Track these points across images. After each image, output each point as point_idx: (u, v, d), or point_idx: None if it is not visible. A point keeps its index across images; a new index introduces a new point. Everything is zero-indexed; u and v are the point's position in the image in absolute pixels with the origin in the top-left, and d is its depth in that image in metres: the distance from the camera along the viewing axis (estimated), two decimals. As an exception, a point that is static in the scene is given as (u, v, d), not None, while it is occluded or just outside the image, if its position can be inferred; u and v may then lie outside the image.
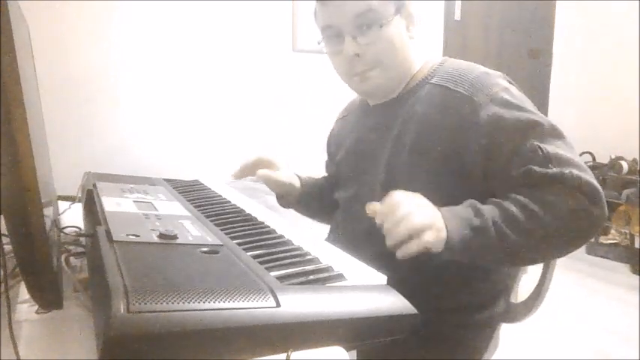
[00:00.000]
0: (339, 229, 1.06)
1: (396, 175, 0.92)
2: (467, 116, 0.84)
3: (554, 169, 0.77)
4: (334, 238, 1.05)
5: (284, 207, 1.19)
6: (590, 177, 0.77)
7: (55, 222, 0.76)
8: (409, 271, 0.79)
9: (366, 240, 0.91)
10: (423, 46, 0.99)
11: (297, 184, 1.12)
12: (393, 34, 0.90)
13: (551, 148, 0.79)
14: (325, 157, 1.22)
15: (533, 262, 0.87)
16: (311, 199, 1.15)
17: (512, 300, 1.01)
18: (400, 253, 0.70)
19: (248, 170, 1.04)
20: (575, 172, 0.77)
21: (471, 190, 0.83)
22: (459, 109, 0.85)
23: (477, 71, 0.90)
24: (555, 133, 0.82)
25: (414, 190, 0.89)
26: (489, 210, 0.77)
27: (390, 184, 0.93)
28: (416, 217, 0.70)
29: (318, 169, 1.26)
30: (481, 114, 0.83)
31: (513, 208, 0.76)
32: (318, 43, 0.95)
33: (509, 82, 0.90)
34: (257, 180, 1.04)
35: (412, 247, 0.69)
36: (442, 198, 0.80)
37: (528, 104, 0.86)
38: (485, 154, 0.83)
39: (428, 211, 0.74)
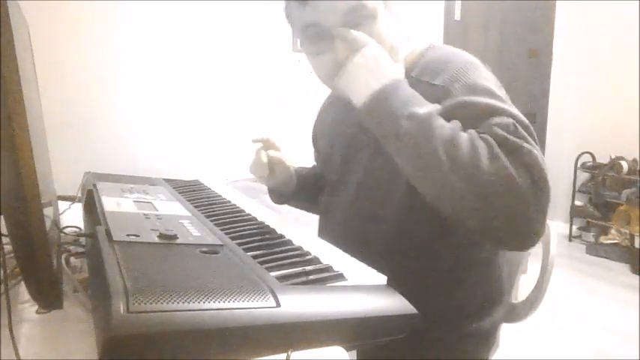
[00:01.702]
0: (328, 235, 1.03)
1: (373, 175, 0.90)
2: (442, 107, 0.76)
3: (517, 139, 0.69)
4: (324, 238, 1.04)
5: (276, 203, 1.16)
6: (545, 169, 0.69)
7: (55, 222, 0.76)
8: (399, 278, 0.76)
9: (346, 239, 0.89)
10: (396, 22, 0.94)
11: (294, 176, 1.10)
12: (382, 29, 0.83)
13: (521, 129, 0.71)
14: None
15: (440, 195, 0.72)
16: (305, 192, 1.12)
17: (512, 300, 1.01)
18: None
19: (259, 141, 1.04)
20: (534, 151, 0.68)
21: None
22: (434, 101, 0.77)
23: (460, 61, 0.84)
24: (527, 129, 0.73)
25: (390, 192, 0.86)
26: (438, 112, 0.72)
27: (367, 184, 0.92)
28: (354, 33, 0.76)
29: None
30: (453, 101, 0.76)
31: (463, 134, 0.69)
32: (301, 45, 0.87)
33: (490, 74, 0.84)
34: (265, 161, 1.00)
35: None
36: (420, 200, 0.74)
37: (506, 98, 0.79)
38: None
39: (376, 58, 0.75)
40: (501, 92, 0.80)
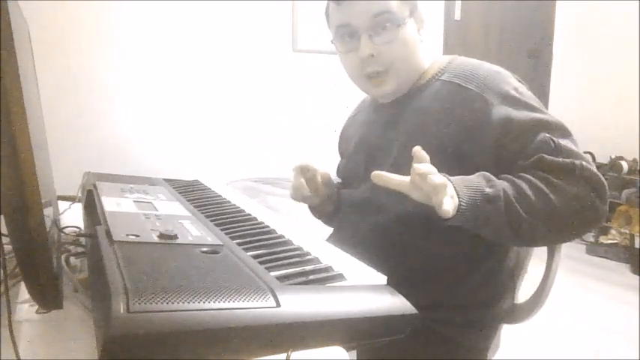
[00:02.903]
0: (344, 225, 1.05)
1: (402, 170, 0.92)
2: (478, 114, 0.85)
3: (565, 159, 0.80)
4: (338, 235, 1.05)
5: (322, 221, 1.16)
6: (598, 172, 0.80)
7: (55, 222, 0.76)
8: (411, 267, 0.78)
9: (371, 236, 0.91)
10: (424, 45, 0.99)
11: (336, 193, 1.10)
12: (407, 36, 0.91)
13: (563, 141, 0.82)
14: (332, 158, 1.21)
15: (533, 241, 0.86)
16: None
17: (514, 301, 1.01)
18: (437, 202, 0.71)
19: (301, 169, 1.01)
20: (584, 164, 0.80)
21: None
22: (469, 106, 0.86)
23: (487, 69, 0.91)
24: (564, 131, 0.85)
25: None
26: (501, 182, 0.80)
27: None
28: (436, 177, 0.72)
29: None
30: (492, 113, 0.84)
31: (524, 185, 0.79)
32: (332, 42, 0.96)
33: (519, 81, 0.92)
34: (303, 182, 0.99)
35: (441, 198, 0.70)
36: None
37: (537, 104, 0.88)
38: (496, 152, 0.85)
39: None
40: (532, 100, 0.88)
